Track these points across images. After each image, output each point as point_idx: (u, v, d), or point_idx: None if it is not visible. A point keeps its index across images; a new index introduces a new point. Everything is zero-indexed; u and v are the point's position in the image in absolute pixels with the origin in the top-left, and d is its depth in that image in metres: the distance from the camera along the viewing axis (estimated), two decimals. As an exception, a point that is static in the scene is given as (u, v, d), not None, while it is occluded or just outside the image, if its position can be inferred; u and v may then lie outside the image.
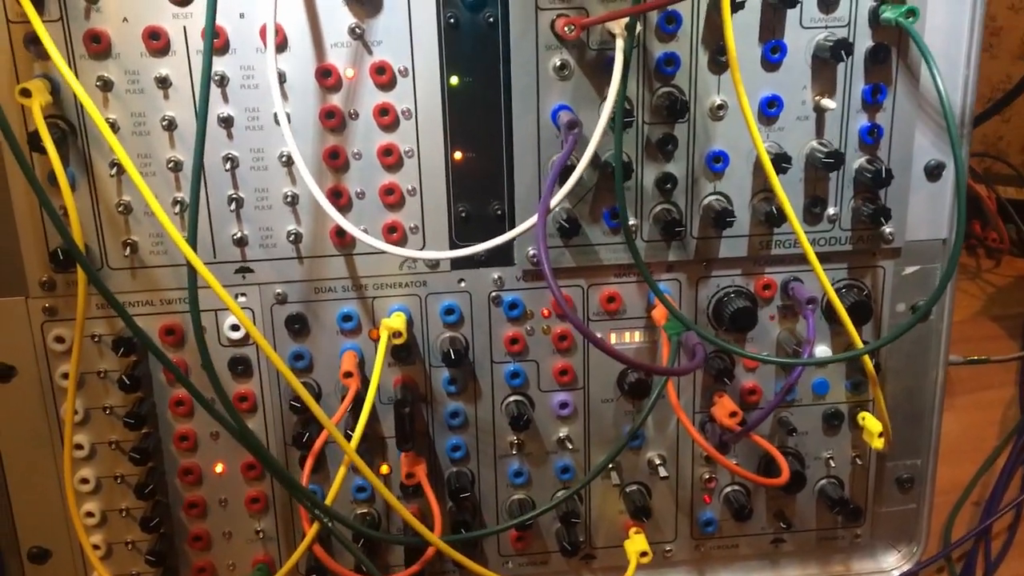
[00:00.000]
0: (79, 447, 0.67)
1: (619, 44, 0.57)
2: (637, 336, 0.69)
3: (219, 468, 0.69)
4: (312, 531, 0.61)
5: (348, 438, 0.64)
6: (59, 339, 0.64)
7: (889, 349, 0.71)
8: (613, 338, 0.69)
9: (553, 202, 0.59)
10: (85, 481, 0.68)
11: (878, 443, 0.69)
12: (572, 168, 0.60)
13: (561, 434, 0.71)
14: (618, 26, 0.57)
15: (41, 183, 0.59)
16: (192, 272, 0.55)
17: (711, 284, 0.68)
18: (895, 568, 0.76)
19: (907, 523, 0.76)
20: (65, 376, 0.65)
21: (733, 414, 0.67)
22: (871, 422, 0.70)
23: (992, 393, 0.99)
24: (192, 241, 0.55)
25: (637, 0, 0.59)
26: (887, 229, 0.67)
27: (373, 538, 0.68)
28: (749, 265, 0.68)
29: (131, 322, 0.56)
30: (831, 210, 0.66)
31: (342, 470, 0.61)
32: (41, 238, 0.62)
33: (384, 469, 0.70)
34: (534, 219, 0.58)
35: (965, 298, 1.18)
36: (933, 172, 0.67)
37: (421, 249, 0.65)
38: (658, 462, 0.71)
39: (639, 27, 0.60)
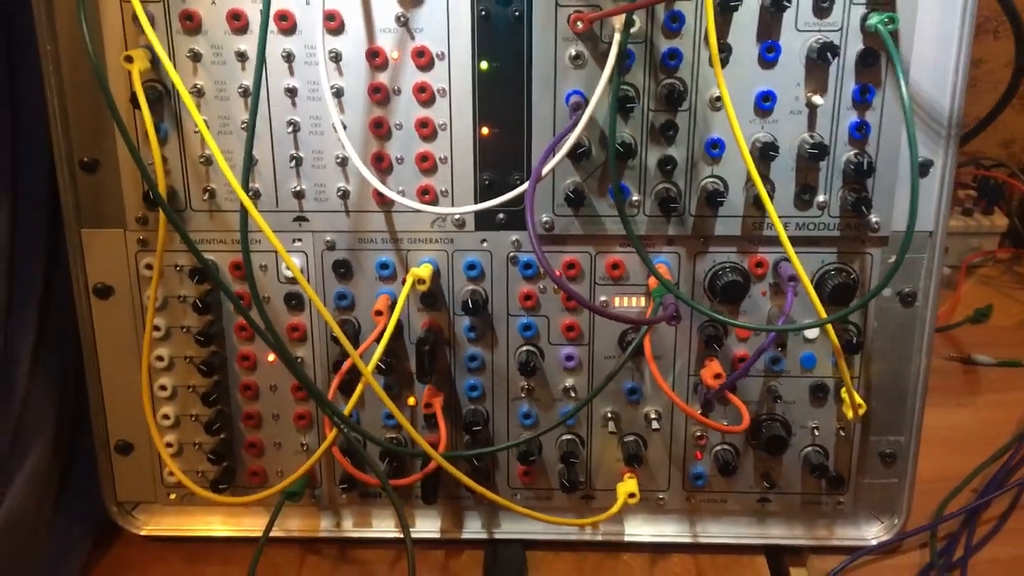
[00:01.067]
0: (160, 359, 0.80)
1: (616, 37, 0.66)
2: (637, 301, 0.77)
3: (271, 390, 0.81)
4: (331, 435, 0.72)
5: (380, 368, 0.76)
6: (148, 266, 0.77)
7: (875, 332, 0.77)
8: (617, 302, 0.77)
9: (545, 170, 0.68)
10: (163, 388, 0.80)
11: (850, 414, 0.75)
12: (581, 144, 0.69)
13: (567, 384, 0.79)
14: (618, 21, 0.66)
15: (140, 136, 0.72)
16: (244, 216, 0.66)
17: (708, 259, 0.76)
18: (875, 537, 0.82)
19: (889, 496, 0.81)
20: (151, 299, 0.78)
21: (717, 376, 0.75)
22: (849, 395, 0.76)
23: (1018, 395, 1.02)
24: (245, 186, 0.67)
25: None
26: (873, 218, 0.73)
27: (384, 447, 0.78)
28: (744, 244, 0.75)
29: (200, 255, 0.69)
30: (820, 197, 0.73)
31: (359, 388, 0.72)
32: (139, 181, 0.75)
33: (411, 401, 0.80)
34: (516, 191, 0.68)
35: (1015, 305, 1.20)
36: (922, 168, 0.72)
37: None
38: (653, 416, 0.79)
39: (645, 24, 0.69)
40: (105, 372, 0.81)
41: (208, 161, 0.74)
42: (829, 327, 0.72)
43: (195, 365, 0.79)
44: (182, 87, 0.68)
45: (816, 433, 0.80)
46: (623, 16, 0.65)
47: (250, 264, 0.70)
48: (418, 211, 0.74)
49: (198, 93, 0.73)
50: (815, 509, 0.82)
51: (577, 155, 0.70)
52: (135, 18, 0.70)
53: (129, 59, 0.69)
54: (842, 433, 0.80)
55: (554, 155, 0.68)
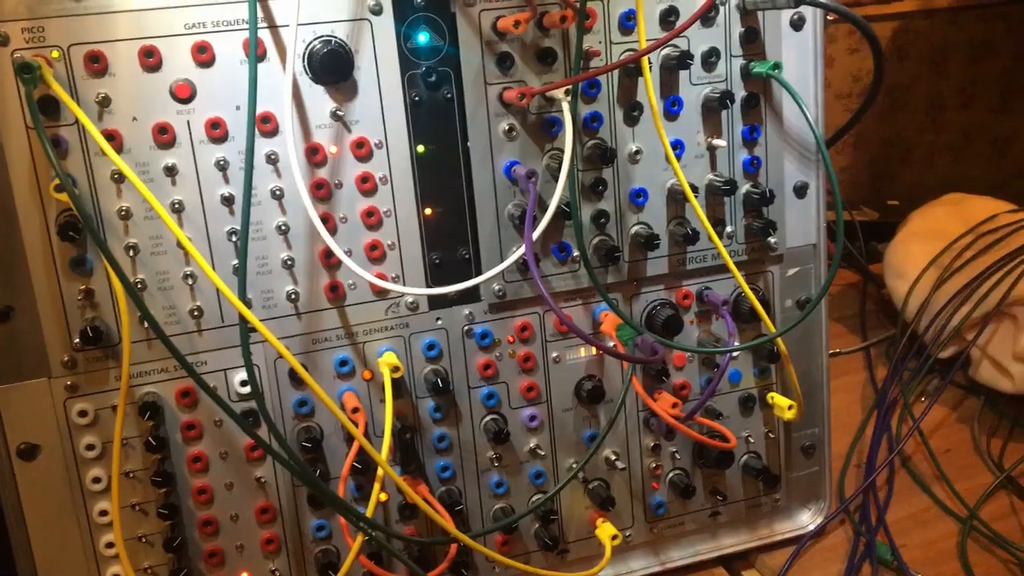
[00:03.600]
0: (103, 513, 0.71)
1: (565, 107, 0.71)
2: (586, 351, 0.81)
3: (233, 516, 0.75)
4: (357, 542, 0.69)
5: (356, 471, 0.73)
6: (82, 413, 0.70)
7: (784, 338, 0.86)
8: (567, 355, 0.81)
9: (536, 233, 0.71)
10: (109, 546, 0.72)
11: (789, 414, 0.84)
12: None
13: (531, 444, 0.81)
14: (561, 93, 0.71)
15: (61, 271, 0.66)
16: (244, 326, 0.63)
17: (641, 299, 0.82)
18: (810, 523, 0.91)
19: (814, 484, 0.91)
20: (89, 447, 0.70)
21: (675, 404, 0.81)
22: (779, 399, 0.85)
23: (849, 379, 1.18)
24: (242, 296, 0.63)
25: (569, 75, 0.73)
26: (772, 240, 0.83)
27: (411, 542, 0.77)
28: (670, 280, 0.82)
29: (190, 368, 0.64)
30: (728, 228, 0.82)
31: (377, 486, 0.70)
32: (62, 321, 0.68)
33: (383, 496, 0.78)
34: (511, 259, 0.71)
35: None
36: (800, 191, 0.84)
37: (402, 295, 0.75)
38: (614, 457, 0.83)
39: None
40: (36, 539, 0.71)
41: (143, 286, 0.69)
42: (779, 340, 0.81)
43: (144, 512, 0.72)
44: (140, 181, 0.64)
45: (750, 441, 0.88)
46: (566, 87, 0.70)
47: (252, 376, 0.65)
48: (374, 301, 0.74)
49: (125, 215, 0.68)
50: (757, 511, 0.90)
51: (523, 222, 0.74)
52: (52, 143, 0.65)
53: (60, 188, 0.63)
54: (771, 436, 0.88)
55: (538, 220, 0.71)
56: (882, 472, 0.98)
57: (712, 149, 0.80)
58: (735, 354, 0.84)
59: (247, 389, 0.73)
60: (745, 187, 0.81)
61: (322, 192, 0.71)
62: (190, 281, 0.70)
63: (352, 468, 0.74)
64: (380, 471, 0.70)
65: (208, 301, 0.71)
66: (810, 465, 0.90)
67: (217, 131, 0.68)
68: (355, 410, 0.73)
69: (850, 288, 1.39)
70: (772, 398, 0.86)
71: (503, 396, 0.80)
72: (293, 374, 0.74)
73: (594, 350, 0.81)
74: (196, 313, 0.71)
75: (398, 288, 0.72)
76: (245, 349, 0.64)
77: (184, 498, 0.74)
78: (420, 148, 0.73)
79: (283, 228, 0.71)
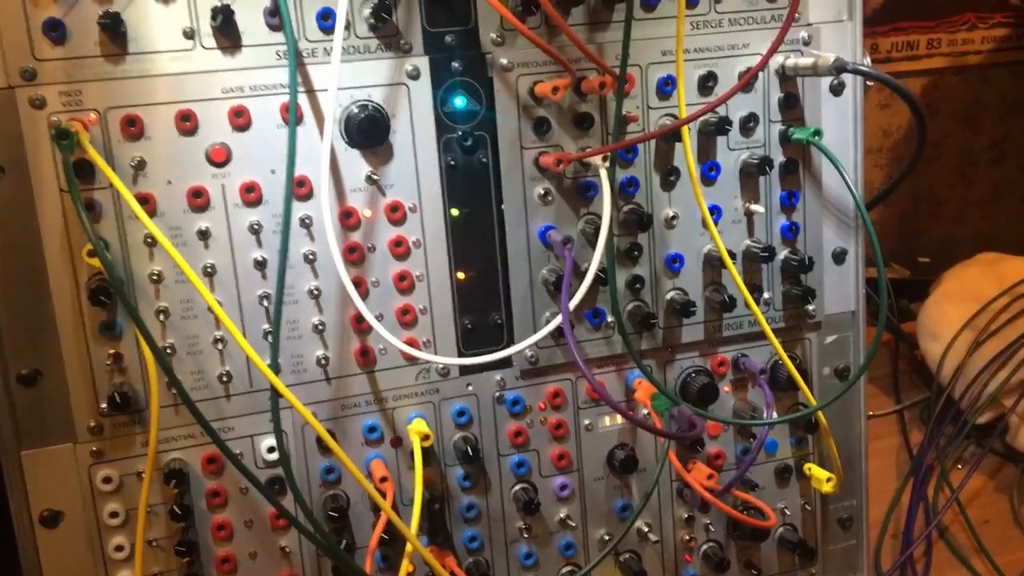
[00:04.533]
0: (125, 582, 0.70)
1: (603, 173, 0.70)
2: (619, 419, 0.79)
3: (257, 586, 0.73)
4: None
5: (382, 542, 0.72)
6: (107, 479, 0.68)
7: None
8: (600, 422, 0.79)
9: (573, 303, 0.69)
10: (132, 618, 0.70)
11: (827, 487, 0.81)
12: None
13: (562, 514, 0.79)
14: (599, 159, 0.70)
15: (90, 335, 0.65)
16: (275, 395, 0.62)
17: (676, 366, 0.80)
18: (847, 598, 0.88)
19: (851, 557, 0.88)
20: (113, 515, 0.69)
21: (710, 476, 0.78)
22: (817, 471, 0.83)
23: (883, 443, 1.15)
24: (274, 365, 0.62)
25: (606, 140, 0.72)
26: (811, 307, 0.81)
27: None
28: (705, 347, 0.80)
29: (221, 443, 0.62)
30: (766, 295, 0.80)
31: (405, 562, 0.68)
32: (90, 385, 0.67)
33: (409, 568, 0.76)
34: (546, 330, 0.69)
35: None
36: (839, 257, 0.82)
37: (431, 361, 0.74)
38: (646, 529, 0.81)
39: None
40: (57, 611, 0.69)
41: (172, 351, 0.68)
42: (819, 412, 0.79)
43: (168, 580, 0.70)
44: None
45: (786, 513, 0.85)
46: (605, 154, 0.69)
47: (280, 432, 0.64)
48: (403, 366, 0.72)
49: (157, 280, 0.67)
50: (792, 585, 0.88)
51: (557, 288, 0.72)
52: (85, 206, 0.64)
53: (92, 253, 0.62)
54: (807, 508, 0.86)
55: (574, 287, 0.70)
56: (919, 544, 0.95)
57: (750, 215, 0.78)
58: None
59: (274, 456, 0.71)
60: (783, 253, 0.80)
61: (355, 256, 0.70)
62: (220, 346, 0.69)
63: (379, 539, 0.72)
64: (408, 546, 0.68)
65: (237, 366, 0.70)
66: (847, 538, 0.88)
67: (252, 195, 0.68)
68: (383, 479, 0.71)
69: (882, 347, 1.36)
70: (809, 469, 0.84)
71: (534, 464, 0.78)
72: (321, 441, 0.72)
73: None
74: (225, 378, 0.69)
75: (427, 357, 0.70)
76: (275, 416, 0.62)
77: (207, 567, 0.72)
78: (454, 212, 0.72)
79: (315, 292, 0.70)
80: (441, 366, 0.74)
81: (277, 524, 0.73)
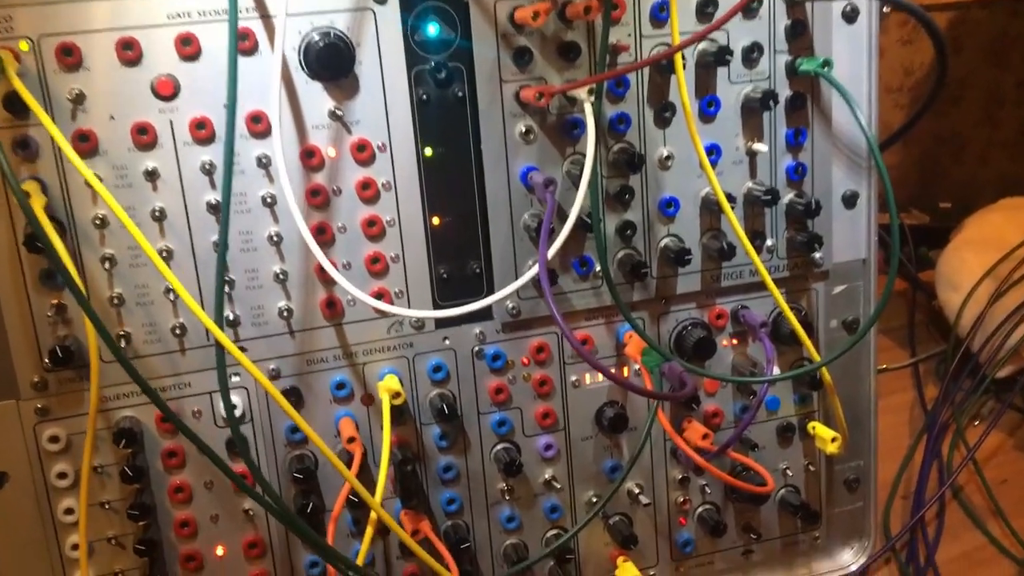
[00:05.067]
0: (76, 547, 0.66)
1: (588, 108, 0.63)
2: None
3: (220, 551, 0.69)
4: (348, 591, 0.62)
5: (353, 504, 0.67)
6: (53, 438, 0.64)
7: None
8: (587, 378, 0.74)
9: (551, 252, 0.63)
10: (84, 582, 0.66)
11: (832, 447, 0.76)
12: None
13: (547, 475, 0.74)
14: (584, 92, 0.63)
15: (30, 284, 0.60)
16: (220, 351, 0.56)
17: (670, 319, 0.74)
18: (852, 563, 0.83)
19: (857, 521, 0.83)
20: (61, 476, 0.64)
21: (705, 436, 0.73)
22: (822, 430, 0.77)
23: (896, 398, 1.09)
24: (219, 321, 0.57)
25: (593, 71, 0.66)
26: (817, 255, 0.75)
27: None
28: (702, 298, 0.75)
29: (164, 407, 0.57)
30: (769, 242, 0.74)
31: (369, 530, 0.63)
32: (32, 339, 0.62)
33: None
34: (525, 277, 0.64)
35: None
36: (849, 200, 0.75)
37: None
38: (637, 491, 0.76)
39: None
40: (5, 573, 0.65)
41: (120, 301, 0.63)
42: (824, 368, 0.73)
43: (122, 546, 0.66)
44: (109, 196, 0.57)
45: (788, 474, 0.80)
46: (589, 86, 0.63)
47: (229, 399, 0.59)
48: (375, 318, 0.67)
49: (101, 224, 0.62)
50: (794, 549, 0.82)
51: (538, 234, 0.66)
52: (17, 144, 0.59)
53: (27, 194, 0.57)
54: (811, 468, 0.81)
55: (556, 233, 0.64)
56: (932, 506, 0.90)
57: (752, 154, 0.72)
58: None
59: (236, 413, 0.67)
60: (788, 196, 0.74)
61: (318, 200, 0.65)
62: (172, 296, 0.64)
63: (348, 501, 0.68)
64: (373, 513, 0.63)
65: (191, 318, 0.65)
66: (853, 500, 0.83)
67: (203, 132, 0.62)
68: (351, 440, 0.66)
69: (898, 297, 1.30)
70: (814, 428, 0.78)
71: (516, 423, 0.73)
72: (286, 396, 0.67)
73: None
74: (178, 331, 0.64)
75: (397, 310, 0.65)
76: (221, 375, 0.57)
77: (165, 531, 0.68)
78: (428, 151, 0.66)
79: (275, 238, 0.64)
80: (415, 319, 0.69)
81: (236, 489, 0.68)
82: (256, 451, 0.68)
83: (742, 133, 0.72)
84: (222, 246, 0.58)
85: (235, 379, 0.67)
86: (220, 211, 0.63)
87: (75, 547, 0.66)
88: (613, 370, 0.74)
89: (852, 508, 0.83)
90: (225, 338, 0.57)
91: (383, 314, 0.68)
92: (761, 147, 0.71)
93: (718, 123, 0.71)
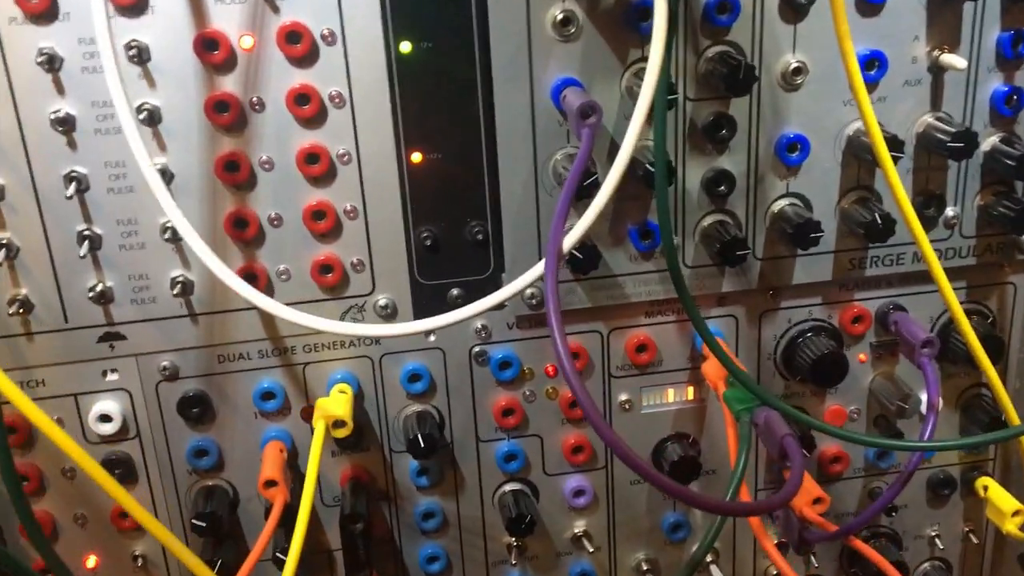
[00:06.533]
0: None
1: (659, -19, 0.37)
2: (679, 395, 0.50)
3: (103, 604, 0.49)
4: None
5: (279, 563, 0.46)
6: None
7: (1017, 392, 0.53)
8: (644, 400, 0.50)
9: (575, 234, 0.39)
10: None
11: (1011, 525, 0.50)
12: (591, 178, 0.40)
13: (577, 529, 0.52)
14: (654, -49, 0.37)
15: None
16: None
17: (779, 319, 0.49)
18: (1018, 670, 0.58)
19: (1031, 610, 0.58)
20: None
21: (817, 500, 0.48)
22: (999, 496, 0.52)
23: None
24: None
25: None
26: (1025, 235, 0.48)
27: None
28: (833, 291, 0.49)
29: None
30: (950, 211, 0.48)
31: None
32: None
33: (334, 590, 0.51)
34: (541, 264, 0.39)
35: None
36: (1088, 151, 0.47)
37: (370, 293, 0.45)
38: (710, 559, 0.53)
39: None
40: None
41: (-73, 262, 0.42)
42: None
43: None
44: None
45: (938, 543, 0.55)
46: (664, -59, 0.37)
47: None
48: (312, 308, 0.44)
49: None
50: (935, 644, 0.58)
51: (584, 188, 0.41)
52: None
53: None
54: (972, 538, 0.56)
55: (589, 192, 0.39)
56: None
57: (939, 71, 0.45)
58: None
59: (109, 427, 0.45)
60: (990, 142, 0.46)
61: (226, 117, 0.41)
62: (10, 253, 0.42)
63: (275, 559, 0.47)
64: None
65: (40, 287, 0.43)
66: (1030, 583, 0.57)
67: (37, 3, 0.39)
68: (270, 483, 0.44)
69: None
70: (986, 489, 0.52)
71: (533, 456, 0.50)
72: (187, 405, 0.46)
73: (689, 394, 0.50)
74: (20, 308, 0.43)
75: (331, 328, 0.41)
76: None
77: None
78: (404, 46, 0.42)
79: (163, 175, 0.41)
80: (383, 300, 0.46)
81: (123, 524, 0.48)
82: (147, 480, 0.47)
83: (925, 36, 0.44)
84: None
85: (112, 377, 0.45)
86: (75, 128, 0.41)
87: None
88: (691, 391, 0.49)
89: (1026, 593, 0.58)
90: None
91: (335, 290, 0.45)
92: (956, 61, 0.44)
93: (886, 18, 0.45)
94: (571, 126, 0.42)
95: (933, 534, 0.56)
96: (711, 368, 0.47)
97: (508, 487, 0.51)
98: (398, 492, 0.50)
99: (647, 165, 0.42)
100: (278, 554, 0.47)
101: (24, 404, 0.35)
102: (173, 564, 0.49)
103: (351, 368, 0.47)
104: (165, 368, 0.46)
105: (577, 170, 0.38)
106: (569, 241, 0.40)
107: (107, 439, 0.46)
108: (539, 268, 0.41)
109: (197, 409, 0.46)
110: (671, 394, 0.51)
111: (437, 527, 0.51)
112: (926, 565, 0.56)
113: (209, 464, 0.48)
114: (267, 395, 0.47)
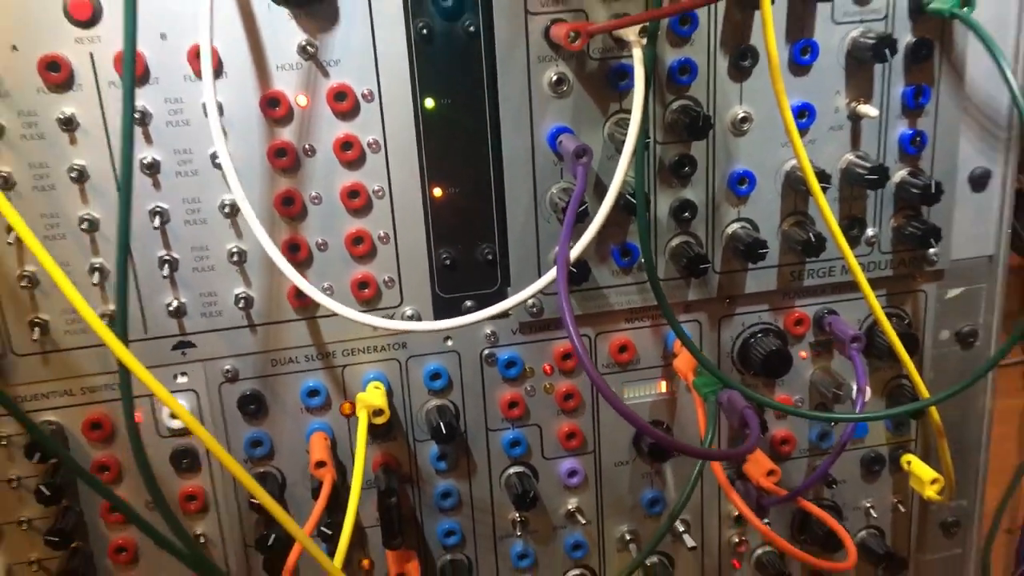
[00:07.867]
0: (-11, 571, 0.54)
1: (636, 54, 0.47)
2: (653, 388, 0.60)
3: (166, 581, 0.57)
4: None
5: (325, 537, 0.54)
6: (-45, 445, 0.52)
7: (931, 382, 0.62)
8: (626, 392, 0.59)
9: (574, 253, 0.49)
10: (0, 613, 0.55)
11: (931, 491, 0.60)
12: (582, 207, 0.50)
13: (570, 506, 0.61)
14: (632, 33, 0.47)
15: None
16: (123, 369, 0.43)
17: (735, 323, 0.59)
18: (942, 622, 0.68)
19: (953, 570, 0.68)
20: (-37, 489, 0.53)
21: (771, 472, 0.58)
22: (920, 468, 0.61)
23: (1004, 403, 0.92)
24: (122, 321, 0.43)
25: (648, 3, 0.49)
26: (933, 250, 0.58)
27: None
28: (778, 299, 0.59)
29: (35, 429, 0.44)
30: (870, 231, 0.58)
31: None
32: (-76, 325, 0.50)
33: (365, 563, 0.59)
34: (545, 278, 0.49)
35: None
36: (979, 181, 0.59)
37: (399, 304, 0.55)
38: (682, 529, 0.62)
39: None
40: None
41: (32, 282, 0.50)
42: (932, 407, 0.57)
43: (47, 570, 0.55)
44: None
45: (872, 513, 0.65)
46: (639, 26, 0.47)
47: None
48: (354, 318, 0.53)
49: (5, 185, 0.48)
50: (871, 601, 0.68)
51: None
52: None
53: None
54: (901, 508, 0.66)
55: (587, 217, 0.49)
56: None
57: (857, 118, 0.55)
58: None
59: (179, 422, 0.54)
60: (900, 175, 0.57)
61: (284, 161, 0.50)
62: (97, 277, 0.50)
63: (320, 533, 0.55)
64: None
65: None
66: (951, 546, 0.68)
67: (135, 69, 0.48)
68: (320, 464, 0.53)
69: (1014, 277, 1.10)
70: (909, 464, 0.62)
71: (534, 443, 0.59)
72: (246, 403, 0.54)
73: (662, 387, 0.59)
74: (107, 321, 0.51)
75: (372, 321, 0.51)
76: (126, 391, 0.44)
77: (99, 558, 0.56)
78: (428, 103, 0.52)
79: (228, 209, 0.51)
80: (410, 311, 0.55)
81: (188, 507, 0.56)
82: (210, 469, 0.56)
83: (845, 90, 0.55)
84: (122, 222, 0.43)
85: (183, 379, 0.54)
86: (159, 171, 0.50)
87: (-12, 571, 0.54)
88: (664, 384, 0.59)
89: (948, 555, 0.68)
90: (112, 336, 0.43)
91: (371, 302, 0.54)
92: (869, 110, 0.54)
93: (813, 76, 0.54)
94: (567, 165, 0.52)
95: (868, 505, 0.65)
96: (682, 362, 0.57)
97: (513, 470, 0.59)
98: (420, 476, 0.59)
99: (628, 196, 0.52)
100: (322, 528, 0.56)
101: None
102: (230, 542, 0.58)
103: (382, 369, 0.56)
104: (227, 371, 0.54)
105: (576, 200, 0.47)
106: (581, 247, 0.50)
107: (176, 433, 0.55)
108: (539, 283, 0.50)
109: (253, 406, 0.55)
110: (649, 388, 0.60)
111: (453, 506, 0.59)
112: (863, 532, 0.66)
113: (262, 453, 0.56)
114: (312, 393, 0.55)
